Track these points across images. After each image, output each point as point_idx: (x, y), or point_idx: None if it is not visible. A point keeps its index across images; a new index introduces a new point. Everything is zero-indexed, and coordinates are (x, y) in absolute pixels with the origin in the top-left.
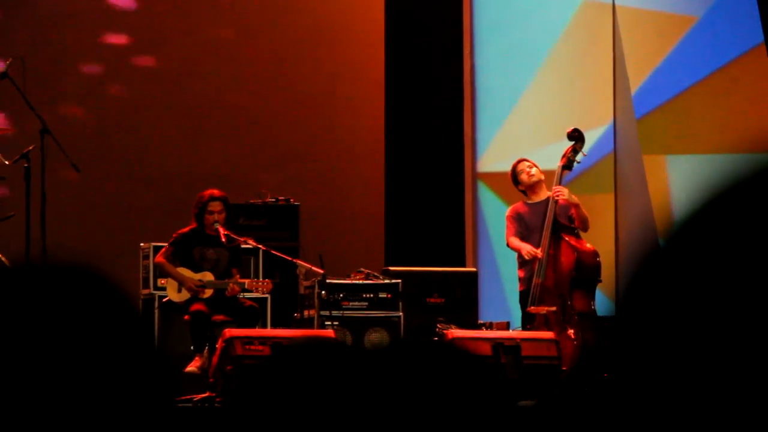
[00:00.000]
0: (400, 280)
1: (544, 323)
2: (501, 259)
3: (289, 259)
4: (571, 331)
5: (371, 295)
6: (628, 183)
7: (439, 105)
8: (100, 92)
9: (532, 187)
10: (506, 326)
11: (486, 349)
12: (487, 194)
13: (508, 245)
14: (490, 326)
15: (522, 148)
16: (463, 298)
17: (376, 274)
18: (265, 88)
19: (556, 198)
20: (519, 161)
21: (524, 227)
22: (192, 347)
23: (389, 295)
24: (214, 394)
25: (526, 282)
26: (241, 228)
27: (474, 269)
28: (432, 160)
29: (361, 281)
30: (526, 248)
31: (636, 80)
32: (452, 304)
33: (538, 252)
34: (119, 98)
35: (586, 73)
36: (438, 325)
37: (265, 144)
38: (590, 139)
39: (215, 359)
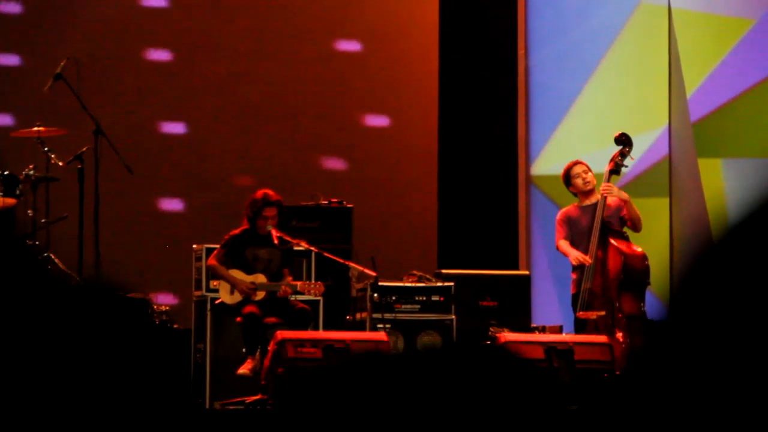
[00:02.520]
0: (452, 283)
1: (595, 328)
2: (554, 262)
3: (342, 261)
4: (619, 335)
5: (424, 298)
6: (683, 187)
7: (493, 107)
8: (154, 93)
9: (585, 192)
10: (559, 330)
11: (539, 353)
12: (540, 197)
13: (557, 248)
14: (542, 330)
15: (576, 152)
16: (515, 302)
17: (428, 276)
18: (319, 91)
19: (604, 195)
20: (574, 164)
21: (574, 231)
22: (244, 349)
23: (442, 298)
24: (265, 397)
25: (576, 285)
26: (294, 230)
27: (527, 272)
28: (485, 163)
29: (413, 284)
30: (574, 254)
31: (691, 83)
32: (505, 308)
33: (587, 259)
34: (172, 99)
35: (641, 75)
36: (490, 329)
37: (318, 146)
38: (645, 142)
39: (267, 362)
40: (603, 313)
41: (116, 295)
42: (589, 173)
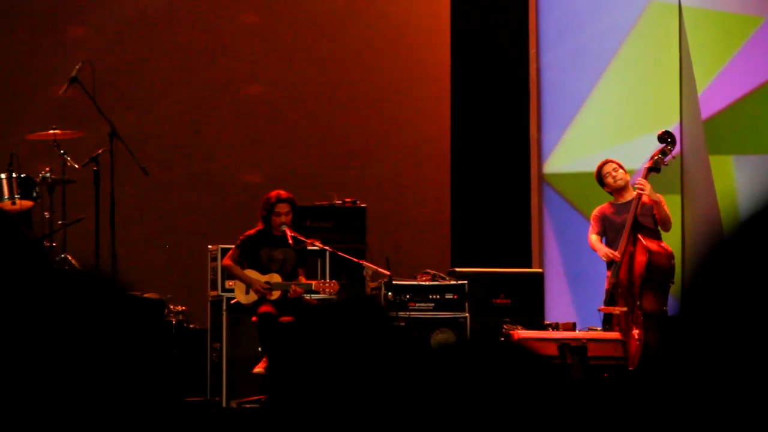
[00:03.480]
0: (466, 281)
1: (617, 323)
2: (567, 260)
3: (356, 260)
4: (635, 332)
5: (437, 296)
6: (695, 184)
7: (506, 106)
8: (169, 95)
9: (618, 189)
10: (572, 327)
11: (552, 350)
12: (553, 195)
13: (589, 244)
14: (556, 327)
15: (588, 150)
16: (529, 299)
17: (442, 275)
18: (331, 91)
19: (638, 190)
20: (604, 163)
21: (609, 227)
22: (260, 348)
23: (455, 296)
24: None
25: (609, 282)
26: (308, 230)
27: (540, 270)
28: (498, 162)
29: (427, 282)
30: (603, 250)
31: (702, 81)
32: (518, 305)
33: (616, 255)
34: (187, 101)
35: (652, 73)
36: (504, 326)
37: (332, 146)
38: (656, 140)
39: None
40: (625, 308)
41: (130, 295)
42: (620, 170)
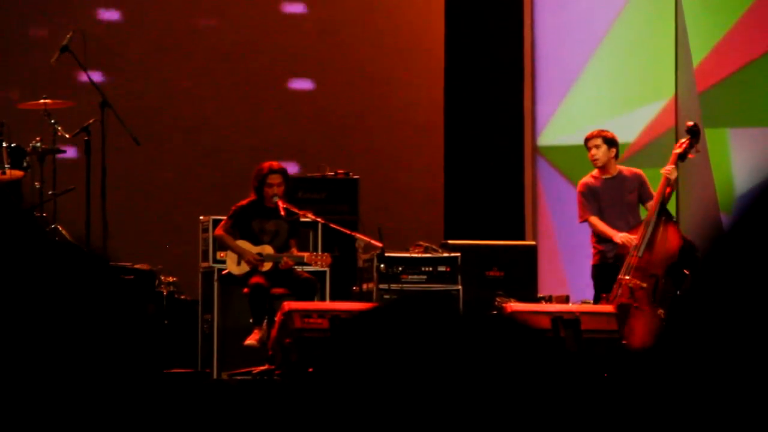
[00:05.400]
0: (459, 254)
1: (629, 295)
2: (561, 233)
3: (348, 232)
4: (661, 311)
5: (430, 269)
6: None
7: (500, 78)
8: (161, 65)
9: (602, 167)
10: (566, 300)
11: (545, 323)
12: (546, 168)
13: (587, 222)
14: (549, 300)
15: (583, 123)
16: (522, 272)
17: (435, 247)
18: (324, 61)
19: (666, 174)
20: (588, 137)
21: (598, 202)
22: (251, 320)
23: (448, 269)
24: (272, 367)
25: (602, 256)
26: (301, 201)
27: (533, 243)
28: (492, 134)
29: (420, 255)
30: (620, 236)
31: (698, 53)
32: (511, 278)
33: (633, 239)
34: (180, 71)
35: (647, 46)
36: (497, 299)
37: (324, 117)
38: (652, 112)
39: (274, 332)
40: (645, 285)
41: (120, 266)
42: (599, 150)
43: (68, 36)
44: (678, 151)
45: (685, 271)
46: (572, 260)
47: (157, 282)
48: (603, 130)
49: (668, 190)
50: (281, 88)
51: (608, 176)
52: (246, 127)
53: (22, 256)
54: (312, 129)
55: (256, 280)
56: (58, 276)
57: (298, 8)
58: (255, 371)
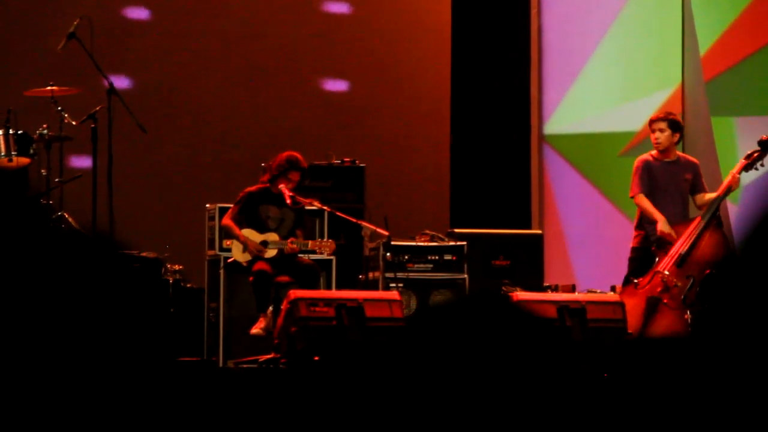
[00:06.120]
0: (465, 243)
1: (662, 289)
2: (567, 221)
3: (355, 220)
4: (688, 315)
5: (436, 257)
6: (697, 145)
7: (506, 66)
8: (167, 52)
9: (663, 151)
10: (571, 289)
11: (551, 312)
12: (553, 156)
13: (633, 199)
14: (555, 289)
15: (589, 111)
16: (528, 261)
17: (441, 236)
18: (330, 50)
19: (730, 185)
20: (652, 119)
21: (652, 183)
22: (256, 308)
23: (454, 257)
24: (278, 356)
25: (642, 238)
26: (307, 189)
27: (539, 231)
28: (498, 122)
29: (426, 243)
30: (662, 226)
31: (705, 42)
32: (517, 267)
33: (673, 233)
34: (186, 58)
35: (654, 35)
36: (503, 288)
37: (330, 105)
38: (658, 101)
39: (280, 321)
40: (680, 283)
41: (127, 255)
42: (662, 134)
43: (75, 23)
44: (747, 161)
45: (709, 271)
46: (578, 249)
47: (163, 270)
48: (670, 113)
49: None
50: (287, 77)
51: (668, 160)
52: (252, 115)
53: (28, 243)
54: (318, 117)
55: (260, 266)
56: (64, 264)
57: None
58: (261, 360)
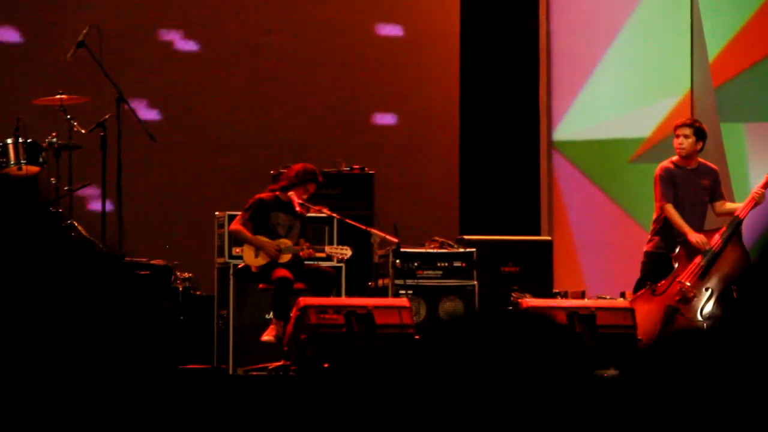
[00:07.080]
0: (474, 249)
1: (681, 299)
2: (576, 228)
3: (364, 228)
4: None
5: (446, 264)
6: (706, 151)
7: (515, 72)
8: (176, 61)
9: (686, 157)
10: (581, 295)
11: (561, 318)
12: (562, 163)
13: (662, 209)
14: (565, 295)
15: (598, 117)
16: (537, 267)
17: (450, 242)
18: (339, 56)
19: (756, 199)
20: (677, 125)
21: (674, 189)
22: (269, 315)
23: (464, 264)
24: (288, 363)
25: (657, 244)
26: (316, 197)
27: (549, 238)
28: (507, 128)
29: (435, 250)
30: (696, 237)
31: (714, 48)
32: (527, 273)
33: (706, 241)
34: (195, 67)
35: (663, 41)
36: (512, 294)
37: (339, 112)
38: (667, 107)
39: (290, 328)
40: (699, 295)
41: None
42: (686, 140)
43: (84, 31)
44: None
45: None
46: (588, 255)
47: (172, 278)
48: (696, 120)
49: (748, 209)
50: (296, 84)
51: (689, 167)
52: (261, 123)
53: (38, 251)
54: (327, 124)
55: (282, 273)
56: (73, 272)
57: (311, 3)
58: (271, 367)
